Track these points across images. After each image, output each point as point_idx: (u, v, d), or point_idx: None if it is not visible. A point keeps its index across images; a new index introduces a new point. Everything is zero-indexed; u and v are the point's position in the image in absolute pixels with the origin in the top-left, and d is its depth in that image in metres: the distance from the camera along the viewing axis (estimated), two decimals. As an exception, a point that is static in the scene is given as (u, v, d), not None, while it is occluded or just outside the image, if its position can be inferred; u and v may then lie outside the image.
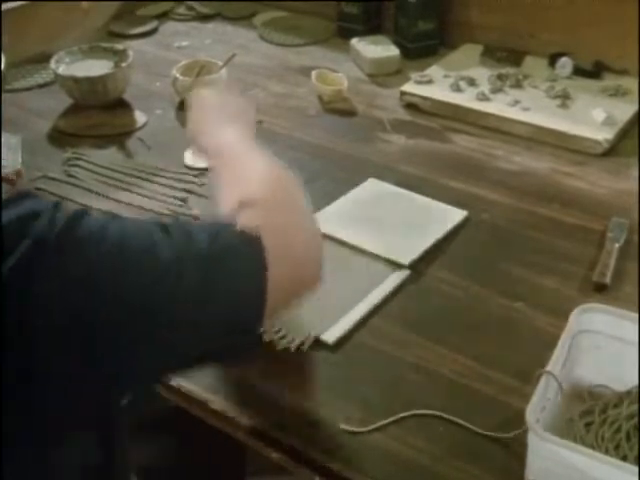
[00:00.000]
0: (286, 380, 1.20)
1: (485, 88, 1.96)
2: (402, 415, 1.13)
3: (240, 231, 0.92)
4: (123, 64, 1.99)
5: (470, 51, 2.15)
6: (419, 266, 1.42)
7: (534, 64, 2.07)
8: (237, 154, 1.16)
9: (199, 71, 2.02)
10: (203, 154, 1.27)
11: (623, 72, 1.98)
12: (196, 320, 0.87)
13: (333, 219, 1.52)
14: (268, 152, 1.15)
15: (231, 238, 0.92)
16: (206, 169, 1.74)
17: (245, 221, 0.93)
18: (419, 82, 2.00)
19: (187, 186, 1.69)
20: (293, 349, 1.25)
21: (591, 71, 1.99)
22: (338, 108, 1.98)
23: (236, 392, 1.20)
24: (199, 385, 1.20)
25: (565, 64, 2.00)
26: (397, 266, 1.41)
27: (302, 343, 1.26)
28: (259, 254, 0.91)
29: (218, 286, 0.88)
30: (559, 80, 1.99)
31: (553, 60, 2.03)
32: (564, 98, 1.91)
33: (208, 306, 0.88)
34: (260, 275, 0.91)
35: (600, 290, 1.36)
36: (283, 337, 1.27)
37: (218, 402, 1.17)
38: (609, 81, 1.97)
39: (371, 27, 2.30)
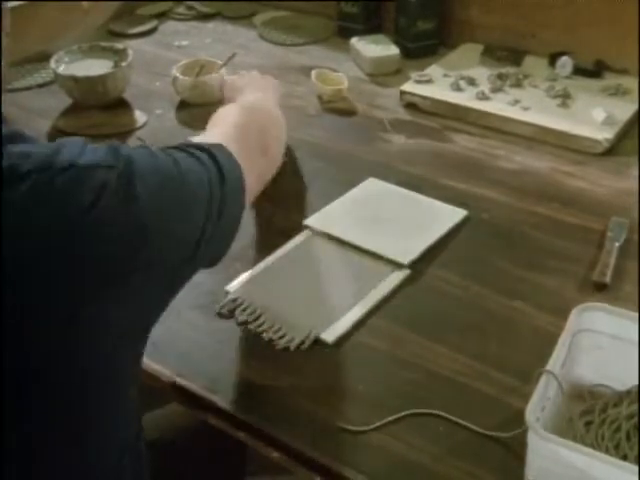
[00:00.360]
0: (286, 379, 1.20)
1: (485, 87, 1.96)
2: (402, 414, 1.13)
3: (227, 151, 1.10)
4: (123, 63, 1.99)
5: (470, 50, 2.15)
6: (419, 265, 1.42)
7: (534, 63, 2.06)
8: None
9: (199, 70, 2.03)
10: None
11: (623, 71, 1.98)
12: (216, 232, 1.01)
13: (333, 218, 1.53)
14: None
15: (225, 159, 1.06)
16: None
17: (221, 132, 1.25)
18: (419, 81, 2.00)
19: (187, 185, 1.68)
20: (293, 348, 1.25)
21: (591, 70, 1.99)
22: (338, 107, 1.98)
23: (236, 392, 1.20)
24: (199, 384, 1.20)
25: (565, 63, 2.00)
26: (397, 265, 1.41)
27: (302, 342, 1.26)
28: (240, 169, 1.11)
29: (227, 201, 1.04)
30: (559, 79, 1.99)
31: (553, 59, 2.03)
32: (564, 97, 1.90)
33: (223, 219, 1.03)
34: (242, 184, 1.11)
35: (600, 289, 1.36)
36: (283, 336, 1.27)
37: (218, 402, 1.17)
38: (609, 80, 1.97)
39: (371, 26, 2.30)
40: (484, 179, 1.66)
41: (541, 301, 1.33)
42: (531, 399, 0.99)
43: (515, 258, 1.43)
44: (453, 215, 1.54)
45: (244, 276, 1.40)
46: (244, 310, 1.33)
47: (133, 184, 0.83)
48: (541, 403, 1.00)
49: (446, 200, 1.57)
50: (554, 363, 1.04)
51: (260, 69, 2.17)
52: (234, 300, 1.35)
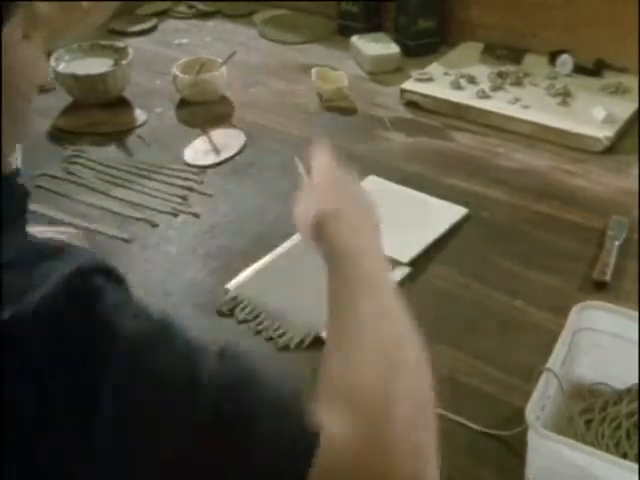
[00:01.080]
0: (285, 380, 1.20)
1: (485, 86, 1.95)
2: (402, 413, 1.13)
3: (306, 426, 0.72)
4: (123, 62, 1.99)
5: (470, 49, 2.15)
6: (419, 263, 1.42)
7: (534, 62, 2.06)
8: (355, 272, 0.91)
9: (199, 69, 2.03)
10: (312, 246, 1.01)
11: (623, 70, 1.98)
12: None
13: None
14: (399, 294, 0.92)
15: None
16: (206, 166, 1.74)
17: (332, 424, 0.73)
18: (419, 80, 2.00)
19: (187, 184, 1.69)
20: (293, 346, 1.25)
21: (591, 69, 1.99)
22: (338, 106, 1.98)
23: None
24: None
25: (565, 62, 2.00)
26: (397, 263, 1.41)
27: (302, 341, 1.26)
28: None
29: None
30: (559, 78, 1.99)
31: (553, 58, 2.03)
32: (564, 96, 1.90)
33: None
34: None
35: (600, 288, 1.36)
36: (282, 334, 1.27)
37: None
38: (609, 79, 1.97)
39: (371, 25, 2.30)
40: (484, 177, 1.66)
41: (541, 299, 1.33)
42: (531, 397, 0.99)
43: (515, 256, 1.43)
44: (453, 213, 1.54)
45: (244, 275, 1.39)
46: (244, 309, 1.33)
47: None
48: (541, 401, 1.01)
49: (446, 198, 1.57)
50: (554, 361, 1.04)
51: (261, 67, 2.18)
52: (234, 298, 1.35)
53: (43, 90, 1.89)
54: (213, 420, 0.67)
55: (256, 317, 1.31)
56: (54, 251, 0.72)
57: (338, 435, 0.72)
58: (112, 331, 0.67)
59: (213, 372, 0.70)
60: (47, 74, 0.95)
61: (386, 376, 0.81)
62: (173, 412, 0.67)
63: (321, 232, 0.97)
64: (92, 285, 0.68)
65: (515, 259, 1.43)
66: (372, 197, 1.09)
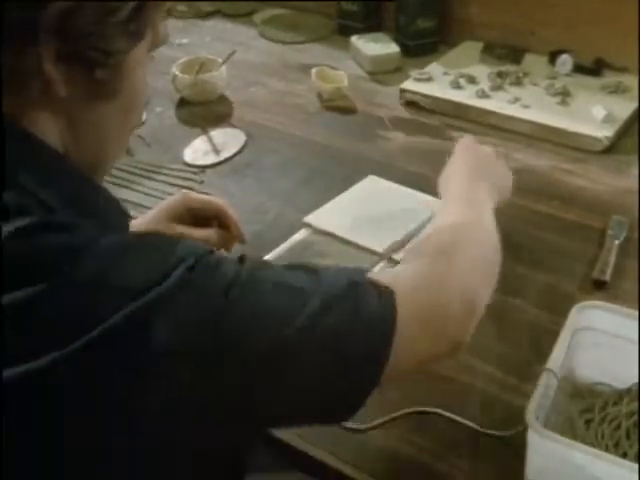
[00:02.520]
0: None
1: (485, 85, 1.95)
2: (401, 412, 1.13)
3: (373, 285, 0.85)
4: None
5: (470, 49, 2.15)
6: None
7: (534, 61, 2.06)
8: (459, 198, 1.16)
9: (199, 68, 2.03)
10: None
11: (623, 69, 1.98)
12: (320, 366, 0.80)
13: (332, 216, 1.52)
14: (492, 211, 1.15)
15: (365, 293, 0.84)
16: (206, 166, 1.74)
17: (403, 268, 0.97)
18: (419, 80, 2.00)
19: (187, 183, 1.69)
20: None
21: (591, 68, 1.99)
22: (338, 105, 1.98)
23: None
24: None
25: (565, 61, 2.00)
26: (396, 263, 1.40)
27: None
28: (389, 313, 0.84)
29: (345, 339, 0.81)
30: (559, 77, 1.99)
31: (553, 57, 2.03)
32: (564, 95, 1.90)
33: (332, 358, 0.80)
34: (385, 339, 0.83)
35: (600, 287, 1.36)
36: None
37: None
38: (609, 78, 1.97)
39: (371, 25, 2.29)
40: None
41: (541, 299, 1.33)
42: (531, 397, 0.98)
43: (515, 256, 1.42)
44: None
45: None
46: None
47: None
48: (541, 401, 1.00)
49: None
50: (554, 361, 1.04)
51: (260, 67, 2.18)
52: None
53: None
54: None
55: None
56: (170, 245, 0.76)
57: (410, 273, 0.92)
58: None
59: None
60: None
61: (457, 229, 1.03)
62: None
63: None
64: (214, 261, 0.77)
65: (515, 258, 1.42)
66: (508, 171, 1.36)
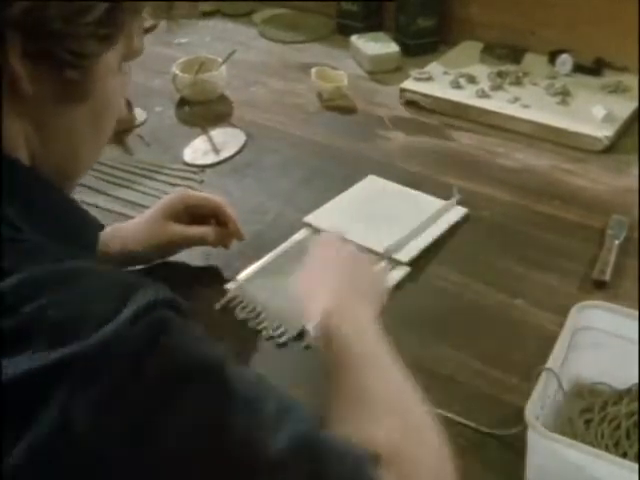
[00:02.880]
0: (285, 377, 1.20)
1: (485, 85, 1.95)
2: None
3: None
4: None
5: (470, 48, 2.15)
6: (418, 263, 1.42)
7: (534, 61, 2.06)
8: (358, 354, 0.96)
9: (199, 68, 2.03)
10: (311, 325, 1.04)
11: (623, 69, 1.98)
12: None
13: (332, 216, 1.53)
14: (395, 355, 0.98)
15: None
16: (205, 166, 1.74)
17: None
18: (419, 79, 2.00)
19: (187, 183, 1.69)
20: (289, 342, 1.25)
21: (591, 68, 1.99)
22: (338, 105, 1.98)
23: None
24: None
25: (565, 61, 2.00)
26: (396, 263, 1.41)
27: (300, 334, 1.26)
28: None
29: None
30: (559, 77, 1.99)
31: (553, 57, 2.03)
32: (564, 95, 1.90)
33: None
34: None
35: (600, 287, 1.35)
36: (283, 333, 1.27)
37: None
38: (609, 78, 1.97)
39: (371, 24, 2.29)
40: (484, 177, 1.66)
41: (541, 299, 1.33)
42: (531, 397, 0.98)
43: (515, 256, 1.43)
44: (453, 213, 1.53)
45: (244, 274, 1.39)
46: (244, 308, 1.33)
47: None
48: (541, 401, 1.00)
49: (446, 198, 1.57)
50: (554, 361, 1.04)
51: (260, 66, 2.18)
52: (234, 298, 1.35)
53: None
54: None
55: (257, 316, 1.31)
56: (128, 282, 0.71)
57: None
58: (181, 363, 0.68)
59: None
60: (124, 110, 0.96)
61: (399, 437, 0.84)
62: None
63: (323, 330, 1.01)
64: (161, 318, 0.68)
65: (515, 259, 1.42)
66: (378, 275, 1.23)
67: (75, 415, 0.62)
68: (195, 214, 1.34)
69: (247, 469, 0.66)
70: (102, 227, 0.92)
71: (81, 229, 0.87)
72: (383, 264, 1.40)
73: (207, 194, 1.40)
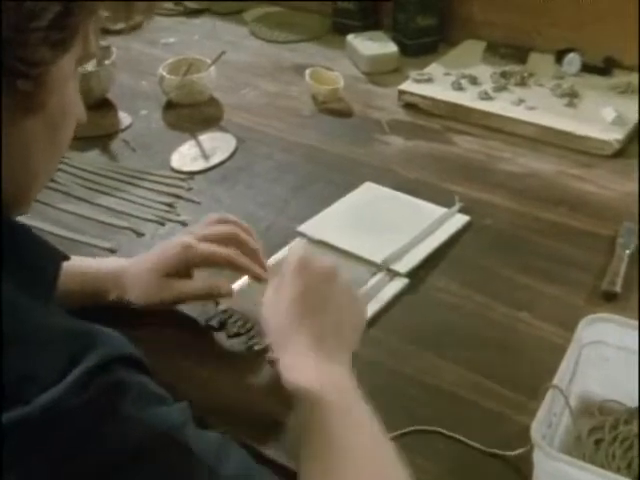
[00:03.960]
0: (279, 394, 1.20)
1: (488, 87, 1.96)
2: (401, 432, 1.12)
3: None
4: (106, 62, 1.98)
5: (472, 48, 2.15)
6: (418, 274, 1.42)
7: (540, 61, 2.07)
8: (330, 414, 0.94)
9: (187, 69, 2.03)
10: (275, 366, 1.05)
11: (634, 68, 1.98)
12: None
13: (327, 225, 1.52)
14: (370, 411, 0.97)
15: None
16: (194, 172, 1.74)
17: None
18: (418, 81, 2.00)
19: (174, 190, 1.69)
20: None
21: (600, 68, 1.99)
22: (333, 108, 1.98)
23: (235, 412, 1.19)
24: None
25: (573, 61, 2.00)
26: (395, 274, 1.41)
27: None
28: None
29: None
30: (566, 77, 1.99)
31: (560, 57, 2.03)
32: (571, 96, 1.90)
33: None
34: None
35: (609, 299, 1.35)
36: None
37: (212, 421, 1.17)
38: (619, 78, 1.97)
39: (368, 23, 2.30)
40: (487, 183, 1.66)
41: (547, 312, 1.33)
42: (537, 415, 0.98)
43: (520, 266, 1.43)
44: (454, 221, 1.53)
45: (235, 286, 1.38)
46: (235, 322, 1.32)
47: None
48: (548, 420, 1.00)
49: (447, 205, 1.57)
50: (561, 377, 1.04)
51: (251, 67, 2.18)
52: (224, 312, 1.34)
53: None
54: None
55: (248, 331, 1.31)
56: (80, 336, 0.71)
57: None
58: (133, 428, 0.69)
59: None
60: (84, 113, 0.95)
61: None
62: None
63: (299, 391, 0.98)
64: (114, 379, 0.69)
65: (519, 269, 1.42)
66: (355, 301, 1.14)
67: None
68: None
69: None
70: (66, 258, 0.89)
71: (38, 264, 0.82)
72: (380, 275, 1.40)
73: (213, 249, 1.27)
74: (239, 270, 1.29)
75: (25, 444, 0.64)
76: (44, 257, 0.83)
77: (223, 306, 1.35)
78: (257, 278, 1.28)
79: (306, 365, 1.00)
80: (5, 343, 0.66)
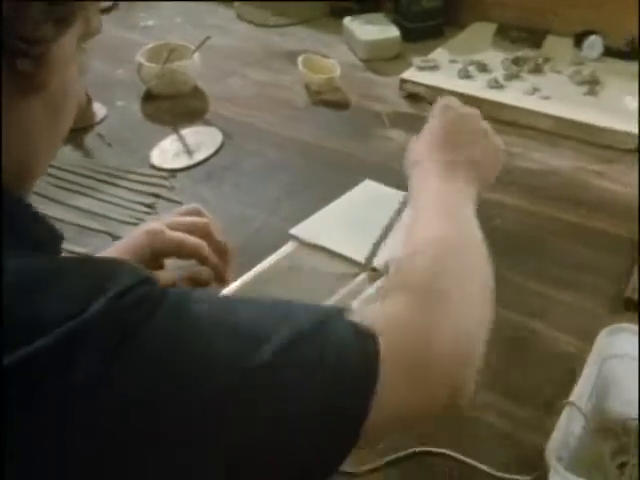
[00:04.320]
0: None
1: (499, 74, 1.97)
2: (404, 453, 1.13)
3: (353, 325, 0.82)
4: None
5: (481, 31, 2.16)
6: (423, 281, 1.41)
7: (557, 45, 2.07)
8: (435, 203, 1.09)
9: (168, 56, 2.03)
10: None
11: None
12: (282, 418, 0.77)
13: (323, 227, 1.53)
14: (473, 213, 1.12)
15: (341, 332, 0.81)
16: (176, 170, 1.75)
17: (385, 307, 0.89)
18: (422, 68, 2.01)
19: (154, 190, 1.70)
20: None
21: (623, 51, 2.00)
22: (329, 99, 1.99)
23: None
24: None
25: (593, 44, 2.00)
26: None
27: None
28: (370, 361, 0.81)
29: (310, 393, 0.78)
30: (586, 63, 2.00)
31: (579, 40, 2.03)
32: (592, 84, 1.91)
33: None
34: (365, 390, 0.80)
35: (632, 307, 1.35)
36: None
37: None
38: (644, 63, 1.97)
39: (367, 5, 2.30)
40: (497, 181, 1.64)
41: (563, 321, 1.33)
42: (552, 435, 0.99)
43: (533, 271, 1.44)
44: (462, 222, 1.54)
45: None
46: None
47: None
48: (565, 440, 1.00)
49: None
50: (579, 393, 1.04)
51: (239, 54, 2.18)
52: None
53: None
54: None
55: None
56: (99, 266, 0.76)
57: (394, 314, 0.88)
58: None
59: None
60: (84, 96, 0.97)
61: (443, 255, 0.99)
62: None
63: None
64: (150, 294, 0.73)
65: (533, 274, 1.43)
66: (497, 141, 1.23)
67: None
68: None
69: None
70: (62, 238, 0.92)
71: (47, 239, 0.85)
72: (380, 282, 1.41)
73: (181, 236, 1.27)
74: (207, 264, 1.29)
75: (42, 376, 0.67)
76: (44, 233, 0.85)
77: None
78: (221, 280, 1.31)
79: (436, 170, 1.13)
80: (26, 287, 0.70)
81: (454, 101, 1.23)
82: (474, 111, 1.22)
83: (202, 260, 1.27)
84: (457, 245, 1.03)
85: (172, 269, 1.29)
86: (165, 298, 0.74)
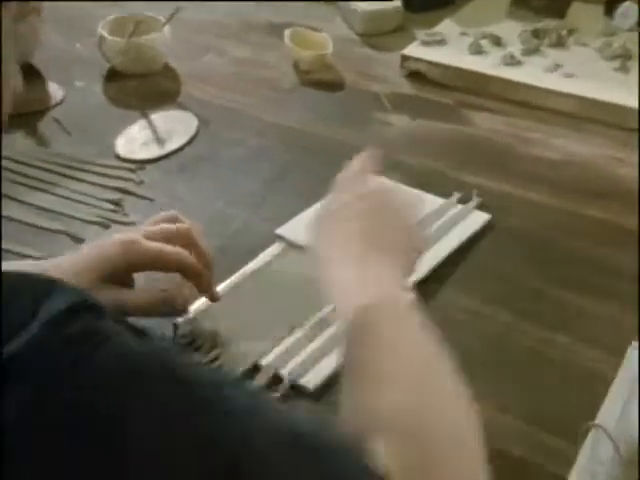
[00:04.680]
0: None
1: (515, 49, 1.97)
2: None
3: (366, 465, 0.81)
4: (31, 17, 1.97)
5: None
6: (428, 287, 1.42)
7: (584, 13, 2.08)
8: (380, 329, 1.04)
9: (134, 29, 2.03)
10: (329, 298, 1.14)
11: None
12: None
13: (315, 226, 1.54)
14: (427, 322, 1.07)
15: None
16: (145, 161, 1.75)
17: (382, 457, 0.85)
18: (427, 43, 2.02)
19: (120, 184, 1.70)
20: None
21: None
22: (320, 79, 2.01)
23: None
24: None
25: (627, 12, 2.00)
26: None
27: (274, 390, 1.27)
28: None
29: None
30: (618, 34, 2.00)
31: (610, 7, 2.04)
32: (624, 58, 1.91)
33: None
34: None
35: (666, 318, 1.36)
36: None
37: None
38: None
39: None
40: (512, 172, 1.67)
41: (589, 333, 1.33)
42: (576, 463, 1.00)
43: (554, 277, 1.44)
44: (472, 220, 1.56)
45: (198, 304, 1.39)
46: (198, 348, 1.33)
47: None
48: (590, 469, 1.01)
49: (463, 201, 1.59)
50: (606, 415, 1.05)
51: (215, 27, 2.18)
52: (184, 336, 1.35)
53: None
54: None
55: (214, 360, 1.31)
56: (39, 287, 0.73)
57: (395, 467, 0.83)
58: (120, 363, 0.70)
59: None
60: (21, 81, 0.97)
61: (421, 401, 0.99)
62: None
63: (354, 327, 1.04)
64: (85, 325, 0.71)
65: (554, 280, 1.43)
66: (413, 216, 1.24)
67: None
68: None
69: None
70: None
71: None
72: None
73: (160, 247, 1.27)
74: (190, 276, 1.30)
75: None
76: None
77: (184, 329, 1.36)
78: (206, 291, 1.33)
79: (374, 303, 1.06)
80: None
81: (357, 180, 1.26)
82: (380, 185, 1.26)
83: (184, 271, 1.28)
84: (432, 413, 1.00)
85: (147, 282, 1.31)
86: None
